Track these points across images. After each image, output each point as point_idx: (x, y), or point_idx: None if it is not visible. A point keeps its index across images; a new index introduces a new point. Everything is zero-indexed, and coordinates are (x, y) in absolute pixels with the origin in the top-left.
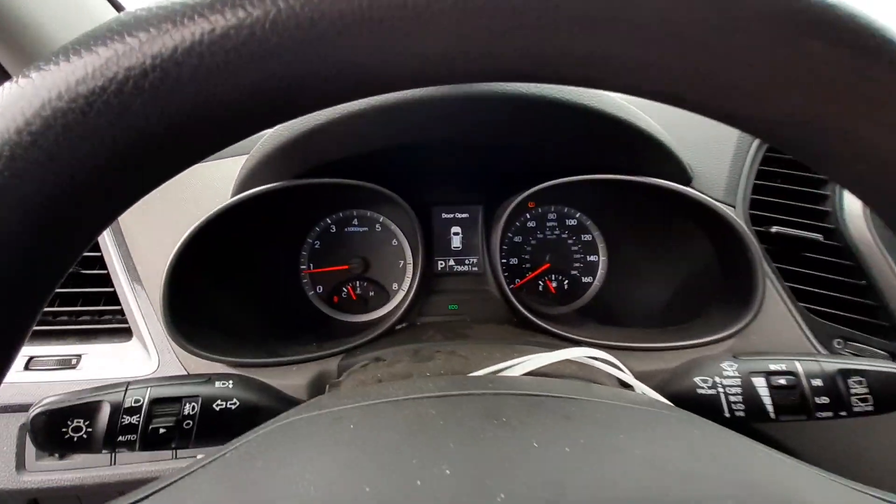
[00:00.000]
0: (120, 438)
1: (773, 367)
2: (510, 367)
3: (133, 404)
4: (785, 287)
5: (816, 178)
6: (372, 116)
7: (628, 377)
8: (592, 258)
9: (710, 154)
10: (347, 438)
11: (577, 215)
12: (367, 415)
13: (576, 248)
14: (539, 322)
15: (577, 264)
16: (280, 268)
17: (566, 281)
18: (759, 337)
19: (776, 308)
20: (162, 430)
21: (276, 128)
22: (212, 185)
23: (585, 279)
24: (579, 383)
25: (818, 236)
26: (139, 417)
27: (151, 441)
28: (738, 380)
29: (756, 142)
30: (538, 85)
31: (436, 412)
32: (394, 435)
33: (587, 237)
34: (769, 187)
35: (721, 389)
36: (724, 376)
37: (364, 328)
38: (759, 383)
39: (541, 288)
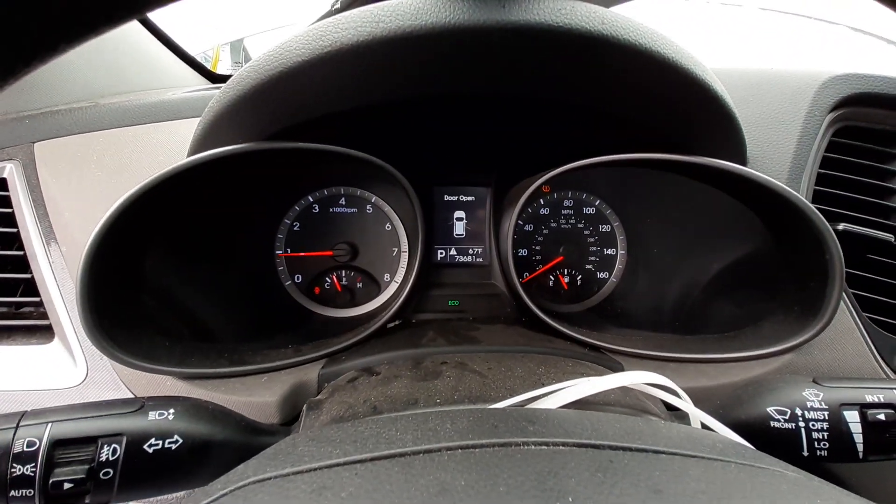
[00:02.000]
0: (13, 493)
1: (869, 397)
2: (546, 394)
3: (26, 448)
4: (849, 294)
5: (882, 169)
6: (362, 56)
7: (688, 406)
8: (609, 252)
9: (770, 136)
10: None
11: (597, 203)
12: (363, 484)
13: (592, 239)
14: (555, 325)
15: (592, 258)
16: (250, 252)
17: (579, 276)
18: (821, 352)
19: (839, 318)
20: (68, 485)
21: (238, 73)
22: (163, 150)
23: (601, 275)
24: (640, 422)
25: (889, 237)
26: (35, 467)
27: (56, 497)
28: (825, 412)
29: (825, 123)
30: (602, 21)
31: (465, 482)
32: None
33: (605, 228)
34: (832, 178)
35: (802, 423)
36: (808, 407)
37: (350, 326)
38: (852, 417)
39: (551, 283)
